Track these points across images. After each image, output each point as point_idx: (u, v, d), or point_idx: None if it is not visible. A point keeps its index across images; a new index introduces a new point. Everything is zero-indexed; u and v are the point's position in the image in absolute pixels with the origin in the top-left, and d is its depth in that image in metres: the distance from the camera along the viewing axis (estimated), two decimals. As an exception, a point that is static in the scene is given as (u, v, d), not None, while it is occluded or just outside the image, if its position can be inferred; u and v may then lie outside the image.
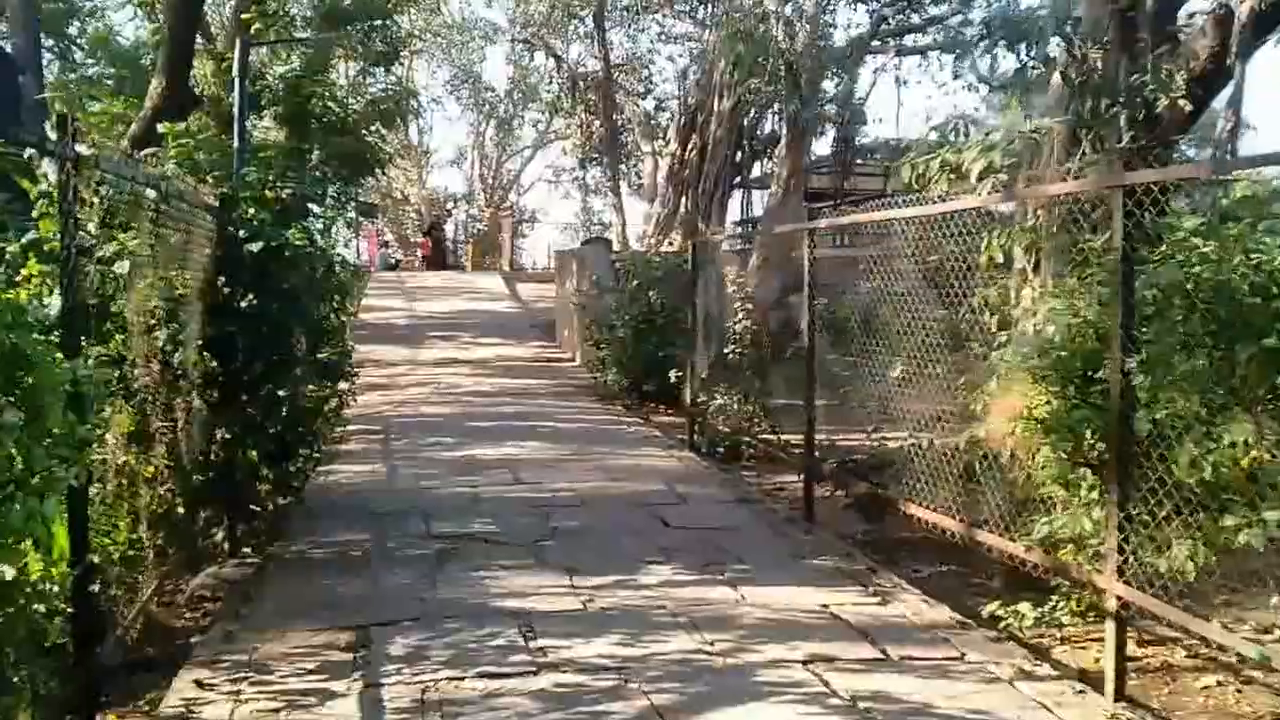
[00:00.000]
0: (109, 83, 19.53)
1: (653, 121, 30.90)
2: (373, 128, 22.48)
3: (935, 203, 5.94)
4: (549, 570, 6.08)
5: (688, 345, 13.55)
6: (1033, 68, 6.91)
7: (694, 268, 10.62)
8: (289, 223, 6.95)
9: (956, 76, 24.72)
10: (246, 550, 6.65)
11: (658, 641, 4.91)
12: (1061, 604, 5.49)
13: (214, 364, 5.95)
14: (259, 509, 6.62)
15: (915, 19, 23.86)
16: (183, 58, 12.83)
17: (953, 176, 6.37)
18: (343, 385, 11.17)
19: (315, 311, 9.63)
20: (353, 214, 25.68)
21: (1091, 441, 4.58)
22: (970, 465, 5.82)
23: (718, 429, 10.70)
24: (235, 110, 9.72)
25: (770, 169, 27.37)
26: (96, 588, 4.12)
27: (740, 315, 11.20)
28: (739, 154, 26.10)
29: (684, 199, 26.57)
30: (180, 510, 5.13)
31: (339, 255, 11.87)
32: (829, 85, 22.46)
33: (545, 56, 33.26)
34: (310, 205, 7.78)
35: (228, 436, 6.08)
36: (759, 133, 26.47)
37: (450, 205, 43.52)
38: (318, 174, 20.35)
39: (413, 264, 38.68)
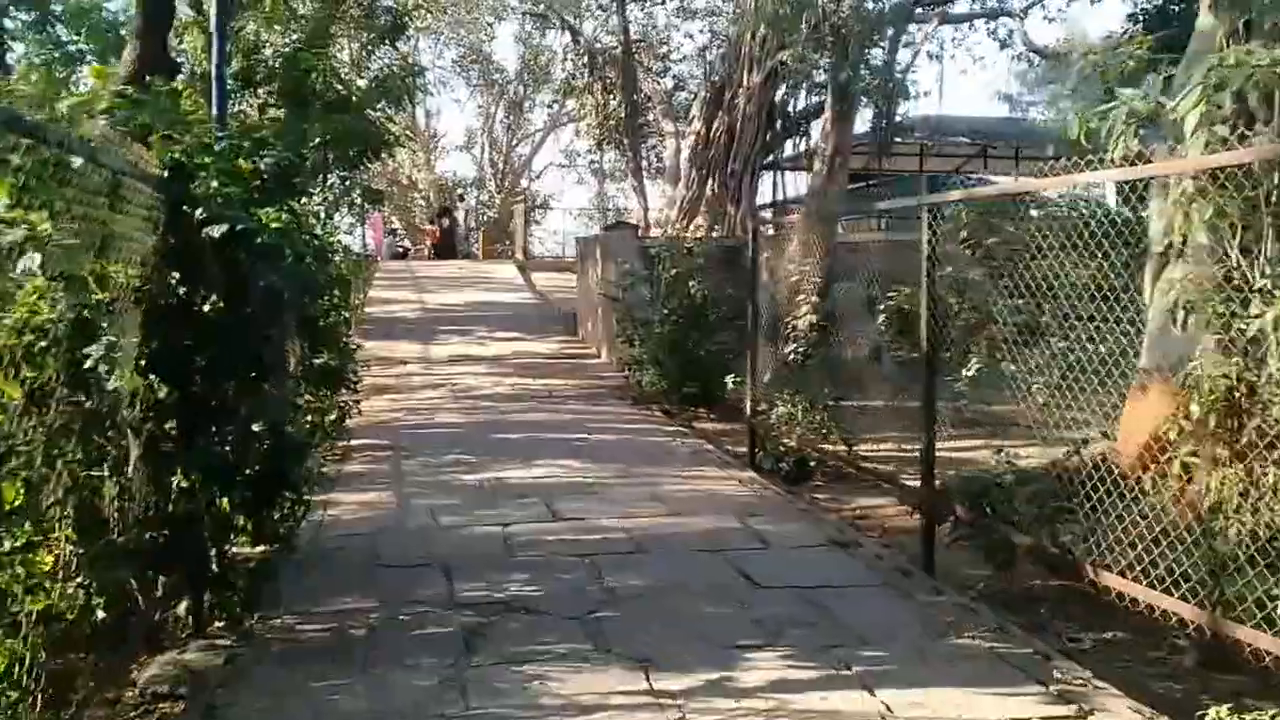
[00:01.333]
0: (92, 59, 18.05)
1: (674, 100, 29.30)
2: (378, 106, 20.99)
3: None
4: (615, 662, 4.54)
5: (738, 343, 12.04)
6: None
7: (754, 256, 9.05)
8: (272, 201, 5.43)
9: (1003, 47, 23.15)
10: (219, 624, 5.15)
11: (794, 800, 3.38)
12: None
13: (164, 390, 4.43)
14: (233, 578, 5.09)
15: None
16: (159, 19, 11.32)
17: (1141, 131, 4.81)
18: (345, 396, 9.69)
19: (309, 310, 8.12)
20: (358, 200, 24.19)
21: None
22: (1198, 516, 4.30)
23: (783, 443, 9.17)
24: (213, 70, 8.18)
25: (804, 147, 25.71)
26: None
27: (805, 309, 9.65)
28: (769, 132, 24.49)
29: (710, 181, 24.97)
30: (100, 612, 3.59)
31: (338, 242, 10.36)
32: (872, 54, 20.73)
33: (560, 31, 31.62)
34: (300, 182, 6.23)
35: (185, 485, 4.55)
36: (790, 109, 24.85)
37: (460, 192, 41.94)
38: (322, 155, 18.92)
39: (422, 253, 37.17)
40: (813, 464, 9.13)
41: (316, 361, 8.74)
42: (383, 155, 22.69)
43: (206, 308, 4.65)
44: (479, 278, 26.02)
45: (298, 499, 5.29)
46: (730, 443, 10.63)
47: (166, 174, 4.48)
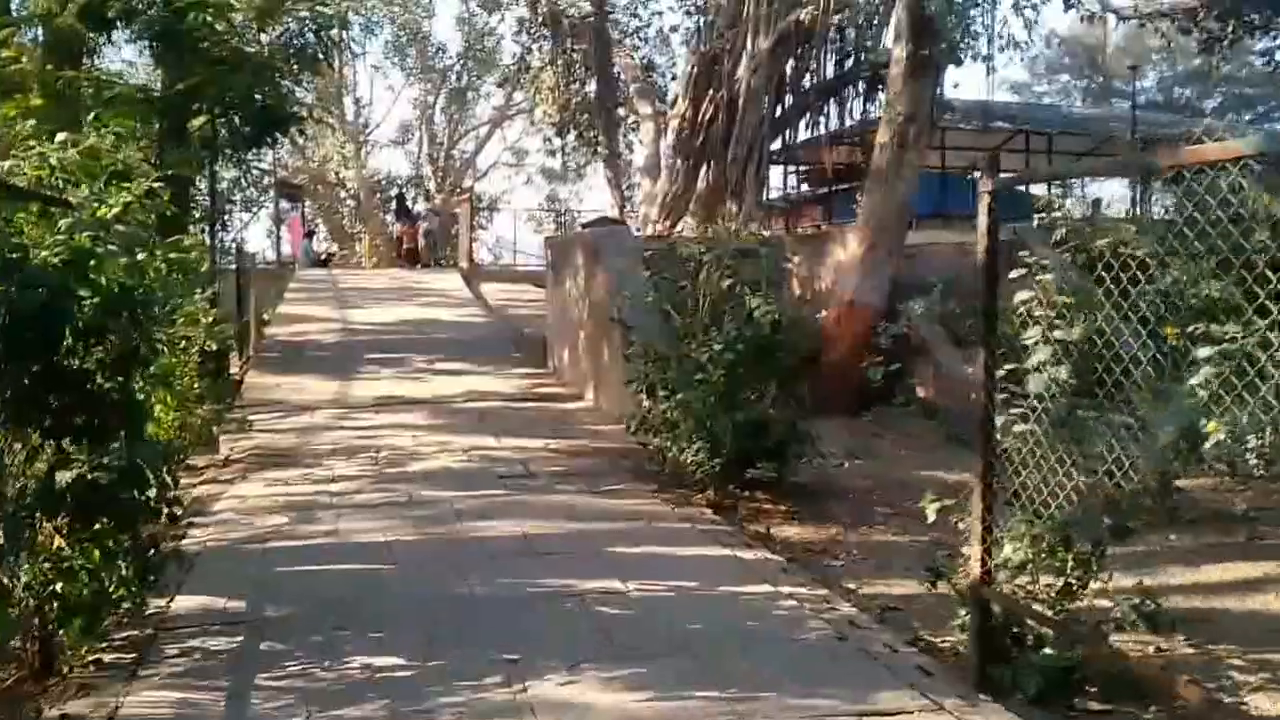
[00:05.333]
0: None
1: (651, 80, 24.74)
2: (288, 67, 16.04)
3: None
4: None
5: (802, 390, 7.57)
6: None
7: (991, 245, 4.37)
8: None
9: (1069, 8, 18.85)
10: None
11: None
12: None
13: None
14: None
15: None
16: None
17: None
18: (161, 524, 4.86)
19: (68, 360, 3.33)
20: (259, 191, 19.12)
21: None
22: None
23: (1028, 623, 4.58)
24: None
25: (822, 131, 21.18)
26: None
27: (1041, 354, 5.01)
28: (779, 113, 20.05)
29: (703, 171, 20.42)
30: None
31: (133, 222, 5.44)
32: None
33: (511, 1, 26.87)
34: None
35: None
36: (805, 84, 20.41)
37: (396, 190, 36.88)
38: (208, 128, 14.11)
39: (349, 259, 32.10)
40: (1080, 675, 4.55)
41: (66, 476, 3.96)
42: (294, 134, 17.66)
43: None
44: (417, 290, 21.10)
45: None
46: (847, 576, 6.04)
47: None
